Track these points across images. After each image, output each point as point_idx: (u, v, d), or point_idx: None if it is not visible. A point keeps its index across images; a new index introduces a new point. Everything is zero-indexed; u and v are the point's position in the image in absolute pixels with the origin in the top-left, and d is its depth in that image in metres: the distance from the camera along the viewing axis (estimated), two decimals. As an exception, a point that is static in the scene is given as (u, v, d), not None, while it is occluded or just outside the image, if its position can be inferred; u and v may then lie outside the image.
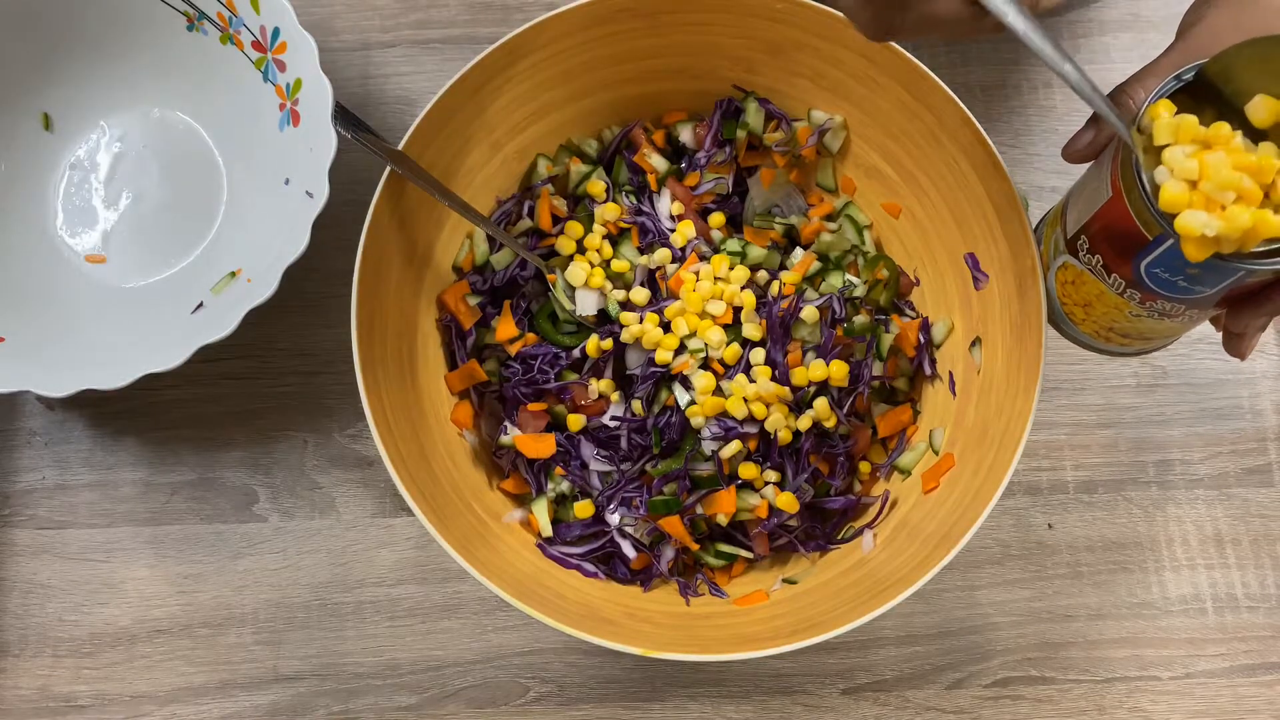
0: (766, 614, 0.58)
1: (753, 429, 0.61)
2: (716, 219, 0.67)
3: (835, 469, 0.63)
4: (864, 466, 0.65)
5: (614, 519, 0.62)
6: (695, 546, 0.62)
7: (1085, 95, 0.43)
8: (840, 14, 0.57)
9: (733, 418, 0.61)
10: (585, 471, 0.63)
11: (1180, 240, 0.41)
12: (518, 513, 0.63)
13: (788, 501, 0.61)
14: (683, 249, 0.65)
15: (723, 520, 0.61)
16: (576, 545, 0.62)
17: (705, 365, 0.62)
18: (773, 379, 0.62)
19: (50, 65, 0.73)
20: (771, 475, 0.62)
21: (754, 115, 0.67)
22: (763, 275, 0.65)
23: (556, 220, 0.67)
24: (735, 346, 0.62)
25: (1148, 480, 0.69)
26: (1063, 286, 0.50)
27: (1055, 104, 0.76)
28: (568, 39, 0.62)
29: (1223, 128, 0.41)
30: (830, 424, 0.62)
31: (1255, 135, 0.42)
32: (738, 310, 0.63)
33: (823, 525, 0.64)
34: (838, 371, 0.62)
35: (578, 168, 0.67)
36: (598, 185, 0.66)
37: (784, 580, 0.61)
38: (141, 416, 0.71)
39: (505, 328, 0.64)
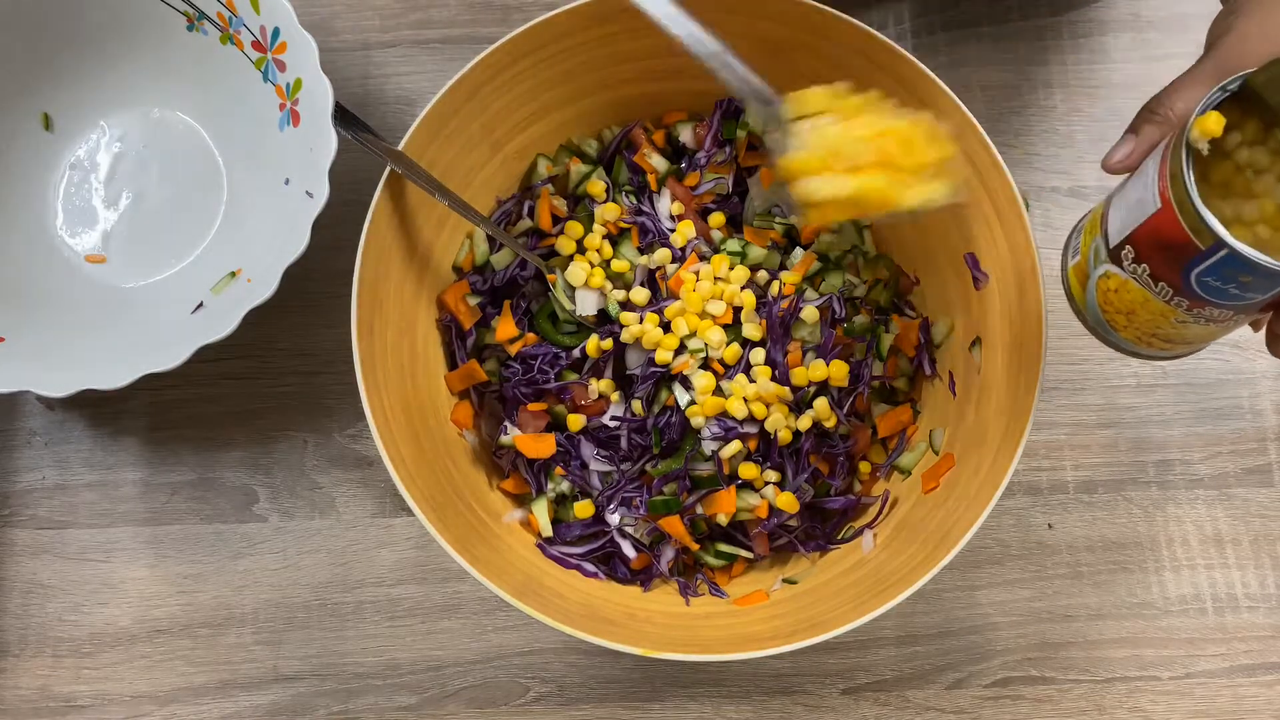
0: (766, 614, 0.58)
1: (753, 429, 0.61)
2: (716, 219, 0.67)
3: (835, 469, 0.63)
4: (864, 466, 0.65)
5: (614, 519, 0.62)
6: (695, 546, 0.62)
7: (727, 74, 0.48)
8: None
9: (733, 418, 0.61)
10: (585, 471, 0.63)
11: (801, 208, 0.46)
12: (518, 513, 0.63)
13: (788, 501, 0.61)
14: (683, 249, 0.65)
15: (723, 520, 0.61)
16: (576, 545, 0.62)
17: (705, 365, 0.62)
18: (773, 379, 0.62)
19: (50, 65, 0.73)
20: (771, 475, 0.62)
21: (754, 115, 0.66)
22: (763, 275, 0.65)
23: (556, 220, 0.67)
24: (735, 346, 0.62)
25: (1148, 480, 0.69)
26: (1104, 294, 0.50)
27: (1055, 104, 0.76)
28: (568, 39, 0.62)
29: (853, 99, 0.47)
30: (830, 424, 0.62)
31: None
32: (738, 310, 0.63)
33: (823, 525, 0.64)
34: (838, 371, 0.62)
35: (578, 168, 0.67)
36: (598, 185, 0.66)
37: (784, 580, 0.61)
38: (141, 416, 0.71)
39: (505, 328, 0.64)
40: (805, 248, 0.67)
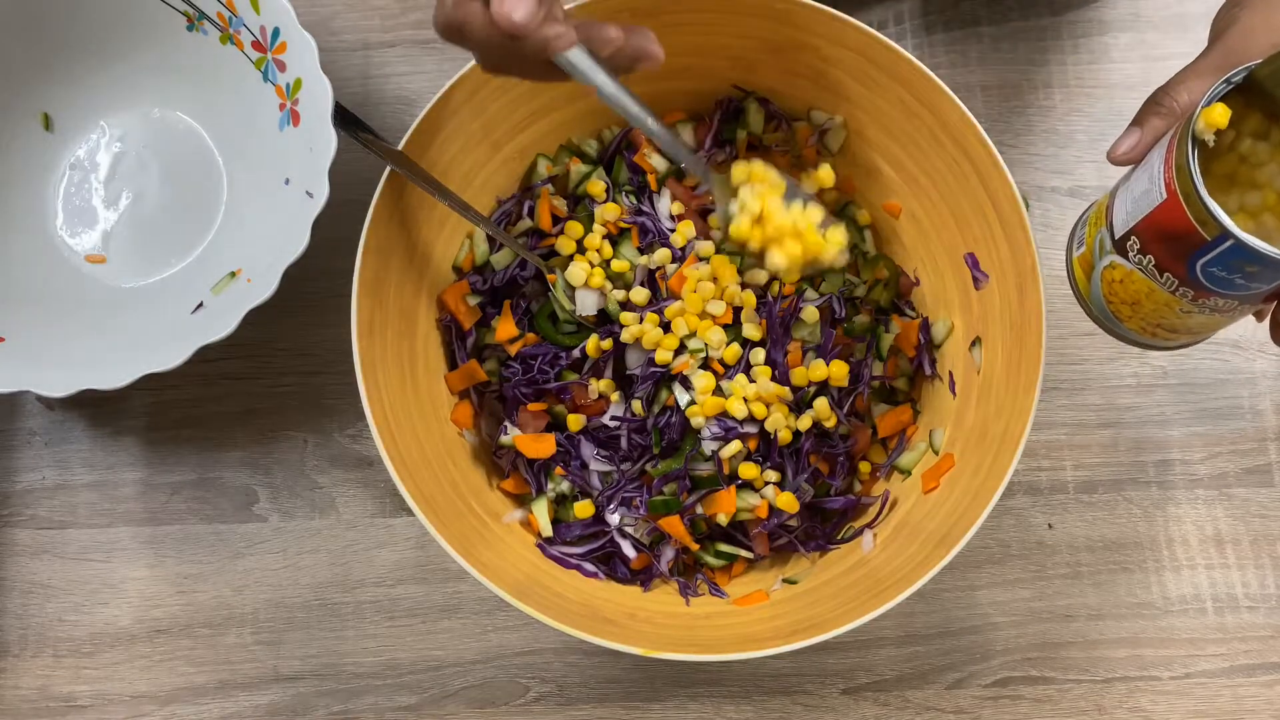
0: (766, 614, 0.58)
1: (753, 429, 0.61)
2: (717, 219, 0.67)
3: (835, 469, 0.63)
4: (864, 466, 0.65)
5: (614, 519, 0.62)
6: (695, 546, 0.62)
7: (670, 149, 0.52)
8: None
9: (732, 418, 0.61)
10: (585, 471, 0.63)
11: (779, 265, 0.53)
12: (518, 513, 0.63)
13: (788, 501, 0.61)
14: (683, 249, 0.65)
15: (723, 520, 0.61)
16: (576, 545, 0.62)
17: (705, 365, 0.62)
18: (773, 379, 0.62)
19: (50, 65, 0.73)
20: (771, 475, 0.62)
21: (754, 115, 0.67)
22: (763, 275, 0.65)
23: (556, 220, 0.67)
24: (735, 346, 0.62)
25: (1148, 480, 0.69)
26: (1109, 285, 0.51)
27: (1055, 104, 0.76)
28: (568, 39, 0.62)
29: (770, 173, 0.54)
30: (830, 424, 0.62)
31: None
32: (738, 310, 0.63)
33: (823, 525, 0.64)
34: (838, 371, 0.62)
35: (578, 168, 0.67)
36: (598, 185, 0.66)
37: (784, 580, 0.61)
38: (141, 416, 0.71)
39: (505, 328, 0.64)
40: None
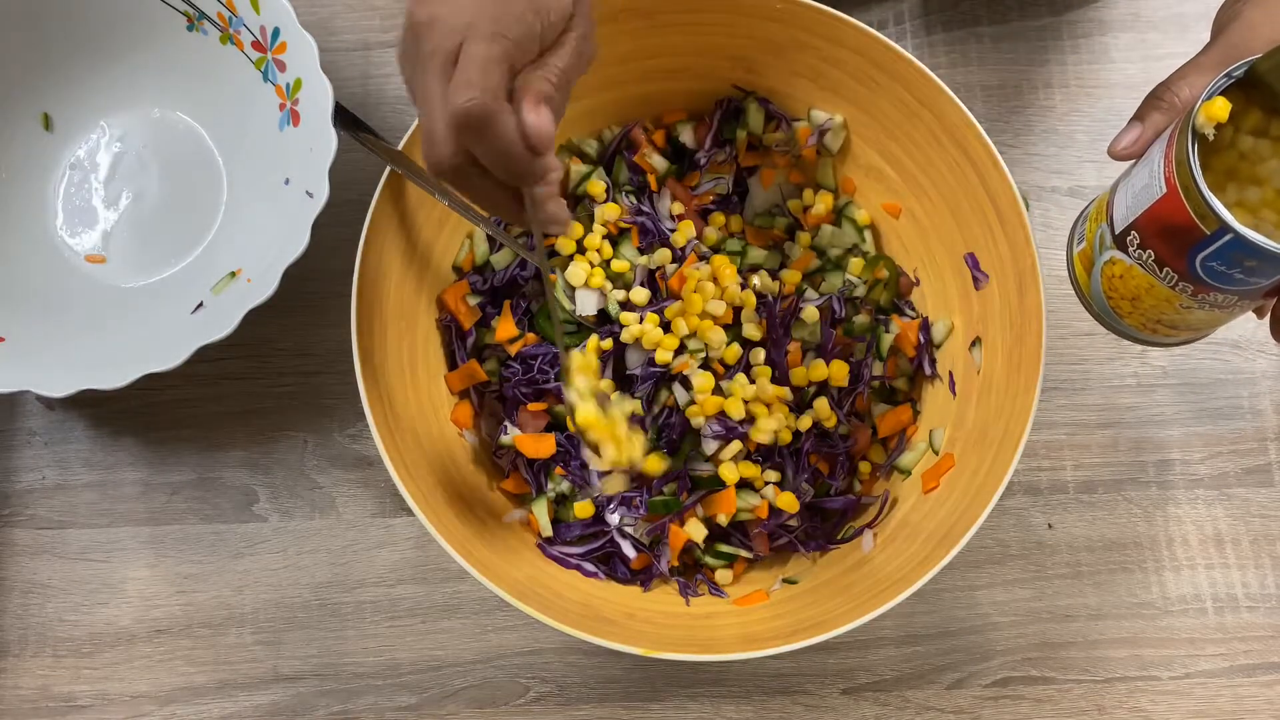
0: (766, 614, 0.58)
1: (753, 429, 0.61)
2: (716, 219, 0.67)
3: (835, 469, 0.63)
4: (864, 466, 0.65)
5: (614, 519, 0.62)
6: (701, 540, 0.61)
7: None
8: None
9: (731, 418, 0.61)
10: (585, 471, 0.63)
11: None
12: (518, 513, 0.63)
13: (788, 501, 0.61)
14: (683, 249, 0.65)
15: (723, 520, 0.61)
16: (576, 545, 0.62)
17: (705, 365, 0.62)
18: (773, 379, 0.62)
19: (50, 65, 0.73)
20: (772, 475, 0.62)
21: (754, 115, 0.67)
22: (763, 275, 0.65)
23: (556, 220, 0.67)
24: (735, 346, 0.62)
25: (1148, 480, 0.69)
26: (1109, 280, 0.51)
27: (1055, 104, 0.76)
28: (568, 39, 0.62)
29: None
30: (830, 424, 0.62)
31: None
32: (738, 310, 0.63)
33: (823, 525, 0.64)
34: (838, 371, 0.62)
35: (578, 168, 0.67)
36: (598, 185, 0.66)
37: (784, 580, 0.61)
38: (141, 416, 0.71)
39: (505, 328, 0.64)
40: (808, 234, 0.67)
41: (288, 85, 0.67)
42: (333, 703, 0.66)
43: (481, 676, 0.66)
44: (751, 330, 0.62)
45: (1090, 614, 0.67)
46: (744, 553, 0.63)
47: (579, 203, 0.68)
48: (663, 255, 0.65)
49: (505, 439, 0.63)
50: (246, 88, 0.70)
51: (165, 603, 0.68)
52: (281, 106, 0.68)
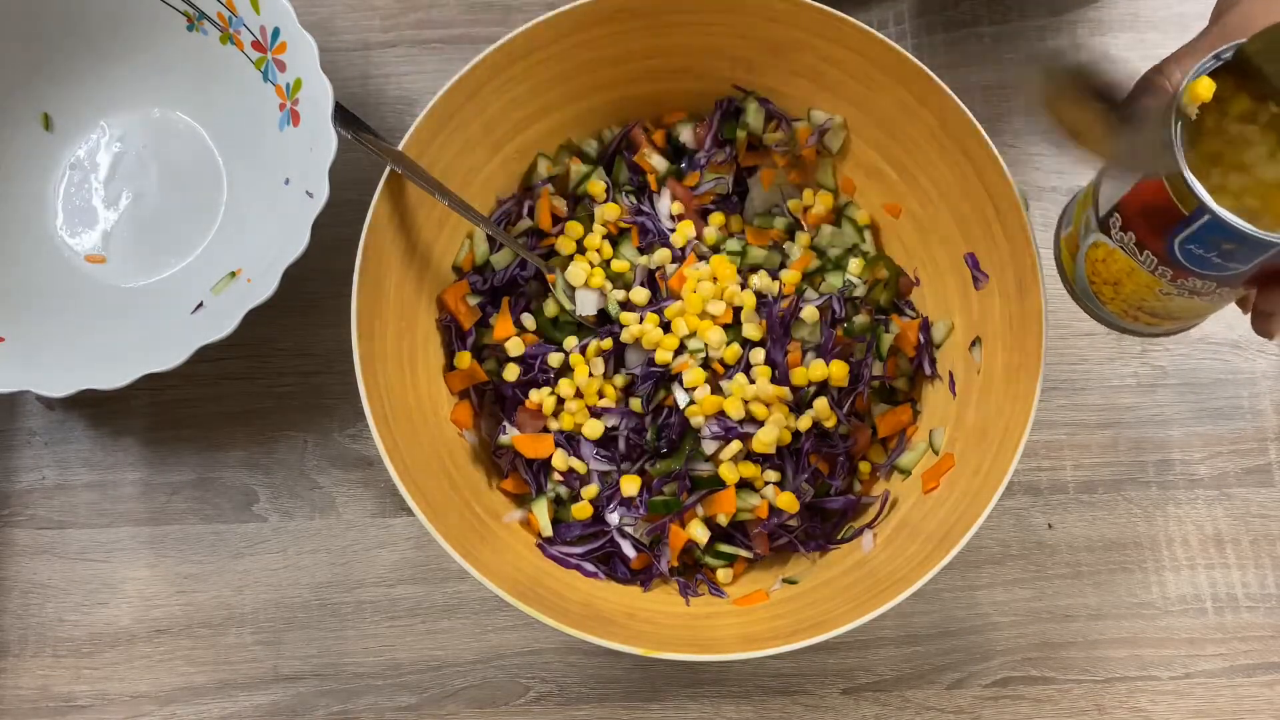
0: (766, 614, 0.58)
1: (752, 429, 0.61)
2: (716, 219, 0.67)
3: (835, 469, 0.63)
4: (864, 466, 0.65)
5: (614, 519, 0.62)
6: (701, 540, 0.61)
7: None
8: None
9: (732, 418, 0.61)
10: (585, 471, 0.63)
11: None
12: (518, 513, 0.63)
13: (788, 501, 0.61)
14: (683, 249, 0.65)
15: (723, 520, 0.61)
16: (576, 545, 0.62)
17: (705, 365, 0.62)
18: (772, 379, 0.62)
19: (50, 65, 0.73)
20: (772, 475, 0.62)
21: (754, 115, 0.67)
22: (763, 275, 0.65)
23: (556, 220, 0.67)
24: (735, 346, 0.62)
25: (1148, 480, 0.69)
26: (1092, 265, 0.51)
27: (1055, 104, 0.76)
28: (568, 39, 0.62)
29: None
30: (830, 424, 0.62)
31: None
32: (738, 310, 0.63)
33: (823, 525, 0.64)
34: (838, 371, 0.62)
35: (578, 168, 0.67)
36: (598, 185, 0.66)
37: (784, 580, 0.61)
38: (141, 416, 0.71)
39: (504, 327, 0.64)
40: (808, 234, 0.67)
41: (288, 85, 0.67)
42: (333, 703, 0.66)
43: (481, 676, 0.66)
44: (751, 330, 0.62)
45: (1090, 614, 0.67)
46: (744, 553, 0.63)
47: (579, 203, 0.68)
48: (662, 255, 0.65)
49: (504, 439, 0.63)
50: (246, 88, 0.70)
51: (165, 603, 0.68)
52: (281, 106, 0.68)
